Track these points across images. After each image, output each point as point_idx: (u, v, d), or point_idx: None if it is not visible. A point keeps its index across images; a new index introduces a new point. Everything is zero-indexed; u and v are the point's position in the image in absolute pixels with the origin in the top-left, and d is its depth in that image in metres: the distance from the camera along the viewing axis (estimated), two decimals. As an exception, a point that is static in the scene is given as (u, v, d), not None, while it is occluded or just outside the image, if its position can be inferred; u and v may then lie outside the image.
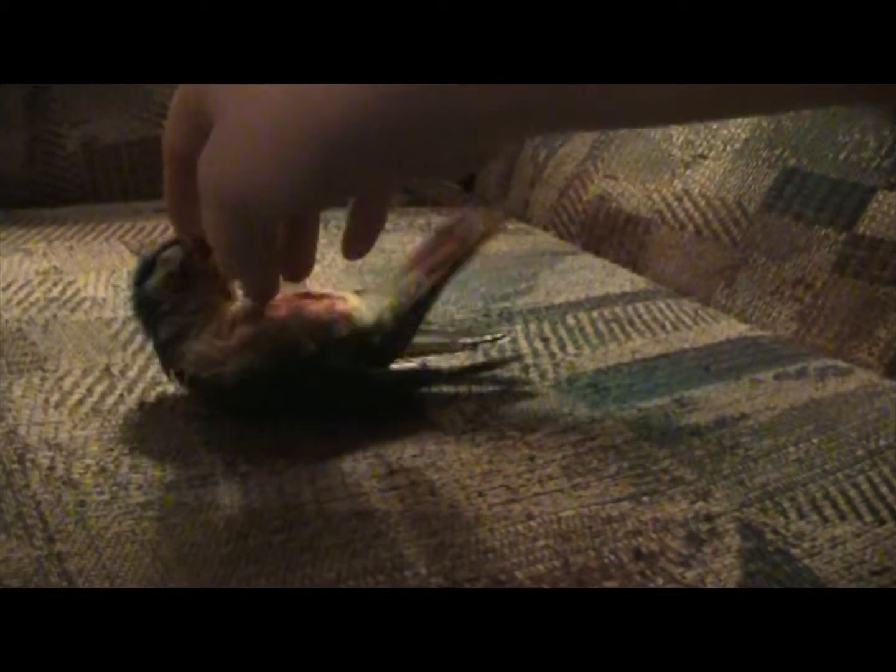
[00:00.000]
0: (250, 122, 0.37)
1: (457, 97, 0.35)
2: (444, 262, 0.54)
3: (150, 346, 0.52)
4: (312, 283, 0.55)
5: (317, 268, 0.75)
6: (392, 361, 0.54)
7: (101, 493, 0.44)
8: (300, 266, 0.50)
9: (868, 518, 0.46)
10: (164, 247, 0.50)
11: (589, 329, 0.66)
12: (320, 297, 0.52)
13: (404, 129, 0.36)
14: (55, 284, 0.69)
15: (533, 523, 0.44)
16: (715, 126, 0.83)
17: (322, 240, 0.82)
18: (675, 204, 0.82)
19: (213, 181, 0.39)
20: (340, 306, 0.51)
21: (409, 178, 0.48)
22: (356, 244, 0.49)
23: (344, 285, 0.55)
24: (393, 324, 0.52)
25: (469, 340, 0.60)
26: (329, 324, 0.50)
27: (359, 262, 0.77)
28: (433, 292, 0.54)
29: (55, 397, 0.52)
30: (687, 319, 0.69)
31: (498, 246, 0.85)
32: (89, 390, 0.53)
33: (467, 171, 0.46)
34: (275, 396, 0.50)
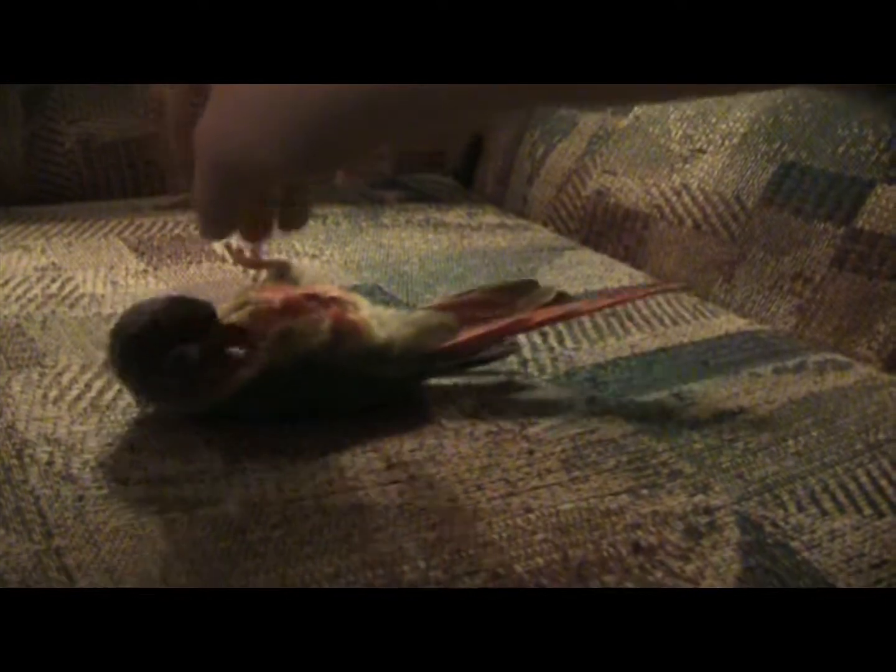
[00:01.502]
0: (244, 91, 0.38)
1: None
2: (491, 326, 0.54)
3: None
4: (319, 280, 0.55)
5: (315, 263, 0.75)
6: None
7: (100, 487, 0.44)
8: (294, 219, 0.49)
9: (867, 511, 0.46)
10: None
11: (587, 323, 0.65)
12: (329, 300, 0.51)
13: (386, 104, 0.36)
14: (53, 281, 0.69)
15: (531, 517, 0.44)
16: (714, 120, 0.83)
17: (320, 235, 0.83)
18: (674, 199, 0.82)
19: (207, 144, 0.39)
20: (350, 316, 0.51)
21: (392, 146, 0.48)
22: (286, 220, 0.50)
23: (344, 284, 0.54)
24: (405, 355, 0.52)
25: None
26: (336, 338, 0.49)
27: (357, 258, 0.77)
28: (469, 350, 0.54)
29: (54, 393, 0.52)
30: (686, 314, 0.69)
31: (497, 241, 0.85)
32: (88, 386, 0.53)
33: (450, 143, 0.46)
34: (272, 402, 0.50)
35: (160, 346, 0.46)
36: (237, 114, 0.38)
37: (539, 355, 0.60)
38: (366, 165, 0.51)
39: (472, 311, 0.56)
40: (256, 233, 0.48)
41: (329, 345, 0.49)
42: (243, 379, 0.47)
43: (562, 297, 0.57)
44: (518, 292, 0.57)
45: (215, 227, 0.44)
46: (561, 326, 0.64)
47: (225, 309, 0.50)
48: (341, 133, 0.37)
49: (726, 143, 0.81)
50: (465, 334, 0.54)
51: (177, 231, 0.82)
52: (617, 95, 0.41)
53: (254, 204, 0.45)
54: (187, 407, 0.49)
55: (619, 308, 0.64)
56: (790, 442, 0.51)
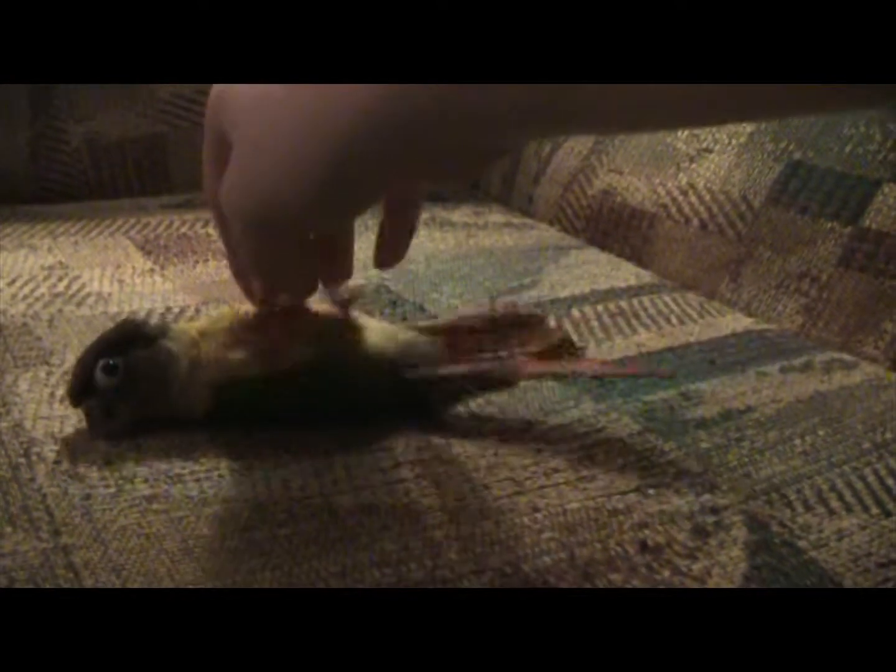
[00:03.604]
0: (262, 142, 0.37)
1: (463, 97, 0.35)
2: (476, 367, 0.53)
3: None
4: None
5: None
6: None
7: (107, 486, 0.44)
8: (338, 272, 0.49)
9: (874, 510, 0.46)
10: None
11: (594, 323, 0.66)
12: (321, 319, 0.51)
13: (412, 133, 0.35)
14: (60, 279, 0.69)
15: (539, 516, 0.44)
16: (720, 120, 0.83)
17: (327, 234, 0.83)
18: (681, 198, 0.82)
19: (234, 204, 0.39)
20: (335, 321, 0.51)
21: (422, 182, 0.47)
22: (387, 254, 0.49)
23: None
24: (382, 379, 0.51)
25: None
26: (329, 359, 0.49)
27: (364, 257, 0.77)
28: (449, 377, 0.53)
29: (61, 391, 0.52)
30: (692, 313, 0.69)
31: (503, 240, 0.85)
32: (95, 384, 0.53)
33: (480, 172, 0.45)
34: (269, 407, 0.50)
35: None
36: (257, 164, 0.38)
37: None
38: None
39: (466, 338, 0.54)
40: (303, 290, 0.46)
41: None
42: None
43: (565, 345, 0.56)
44: (523, 325, 0.56)
45: (284, 290, 0.45)
46: (567, 326, 0.64)
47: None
48: (369, 171, 0.36)
49: (733, 142, 0.80)
50: (446, 367, 0.52)
51: (183, 230, 0.82)
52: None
53: (294, 260, 0.43)
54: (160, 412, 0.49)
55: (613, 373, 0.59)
56: (797, 441, 0.51)
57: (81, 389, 0.47)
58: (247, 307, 0.50)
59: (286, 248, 0.40)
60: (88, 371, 0.47)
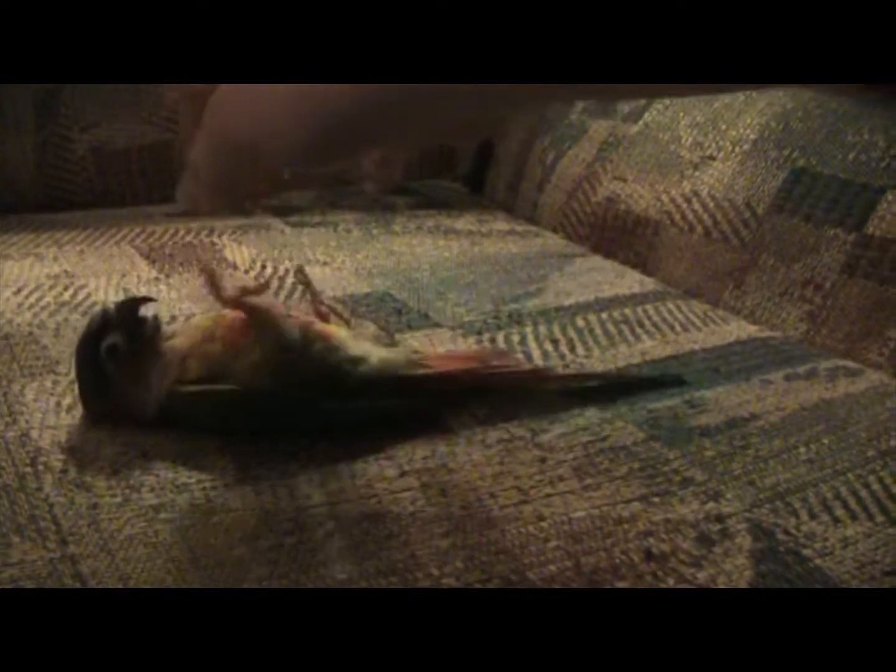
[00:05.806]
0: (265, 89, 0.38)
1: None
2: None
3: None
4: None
5: (327, 270, 0.75)
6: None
7: (114, 495, 0.44)
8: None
9: (879, 518, 0.46)
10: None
11: (598, 330, 0.66)
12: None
13: (415, 99, 0.36)
14: (66, 288, 0.69)
15: (544, 524, 0.44)
16: (724, 127, 0.83)
17: (331, 242, 0.83)
18: (685, 205, 0.82)
19: (223, 122, 0.39)
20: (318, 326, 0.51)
21: (416, 143, 0.47)
22: (377, 179, 0.49)
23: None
24: (377, 376, 0.51)
25: None
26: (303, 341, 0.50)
27: (369, 265, 0.78)
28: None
29: (67, 400, 0.52)
30: (696, 321, 0.69)
31: (507, 248, 0.86)
32: (101, 393, 0.53)
33: (477, 140, 0.45)
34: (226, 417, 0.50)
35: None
36: (255, 93, 0.38)
37: (550, 363, 0.60)
38: (388, 173, 0.49)
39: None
40: (258, 193, 0.47)
41: (295, 346, 0.49)
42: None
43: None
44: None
45: (217, 198, 0.44)
46: (572, 334, 0.64)
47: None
48: (358, 128, 0.37)
49: (736, 149, 0.81)
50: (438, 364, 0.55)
51: (188, 238, 0.82)
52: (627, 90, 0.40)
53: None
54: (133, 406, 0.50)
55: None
56: (802, 449, 0.51)
57: None
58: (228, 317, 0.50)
59: (245, 168, 0.41)
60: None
